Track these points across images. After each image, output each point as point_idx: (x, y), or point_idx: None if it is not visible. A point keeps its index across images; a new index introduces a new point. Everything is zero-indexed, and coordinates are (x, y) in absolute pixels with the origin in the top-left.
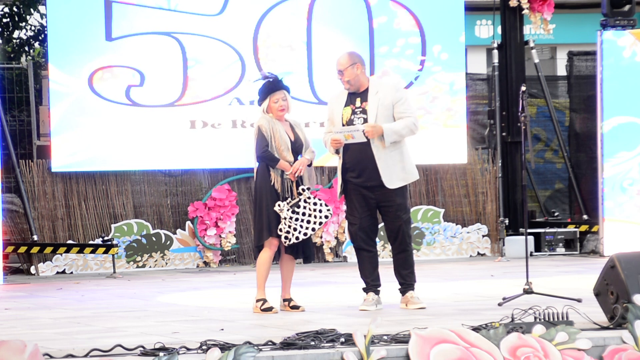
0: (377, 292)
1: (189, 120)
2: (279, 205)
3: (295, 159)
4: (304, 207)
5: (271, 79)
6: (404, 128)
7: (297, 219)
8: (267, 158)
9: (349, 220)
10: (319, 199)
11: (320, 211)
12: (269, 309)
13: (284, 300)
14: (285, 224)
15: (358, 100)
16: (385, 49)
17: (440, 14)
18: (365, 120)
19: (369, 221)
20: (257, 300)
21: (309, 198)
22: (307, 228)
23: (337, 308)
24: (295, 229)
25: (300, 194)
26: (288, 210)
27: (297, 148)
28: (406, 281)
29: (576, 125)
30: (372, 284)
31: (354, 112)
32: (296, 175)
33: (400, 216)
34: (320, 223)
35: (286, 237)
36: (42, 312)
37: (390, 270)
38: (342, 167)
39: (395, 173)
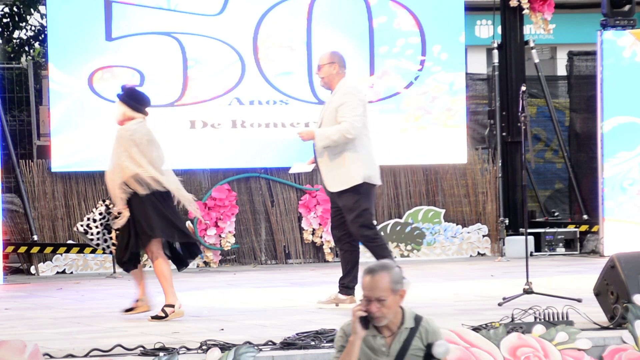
0: (342, 292)
1: (188, 120)
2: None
3: None
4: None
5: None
6: (335, 133)
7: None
8: None
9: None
10: (110, 241)
11: (105, 241)
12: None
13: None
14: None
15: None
16: (385, 49)
17: (440, 14)
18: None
19: (335, 221)
20: (171, 306)
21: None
22: (97, 240)
23: (337, 308)
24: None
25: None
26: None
27: None
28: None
29: (576, 125)
30: (341, 282)
31: (321, 112)
32: None
33: (348, 218)
34: (93, 248)
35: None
36: (42, 312)
37: None
38: None
39: (336, 176)
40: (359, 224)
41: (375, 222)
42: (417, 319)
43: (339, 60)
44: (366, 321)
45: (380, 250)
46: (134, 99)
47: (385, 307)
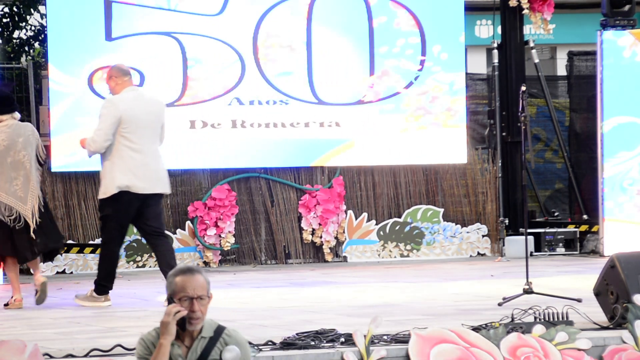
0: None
1: (188, 120)
2: None
3: None
4: None
5: None
6: (89, 141)
7: None
8: None
9: None
10: None
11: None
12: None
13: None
14: None
15: None
16: (385, 49)
17: (440, 14)
18: None
19: None
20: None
21: None
22: None
23: (337, 308)
24: None
25: None
26: None
27: None
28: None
29: (576, 125)
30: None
31: None
32: None
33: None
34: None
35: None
36: (42, 312)
37: (389, 269)
38: None
39: (101, 186)
40: (101, 230)
41: (116, 234)
42: (219, 330)
43: (115, 73)
44: (183, 323)
45: (102, 262)
46: None
47: (204, 307)
